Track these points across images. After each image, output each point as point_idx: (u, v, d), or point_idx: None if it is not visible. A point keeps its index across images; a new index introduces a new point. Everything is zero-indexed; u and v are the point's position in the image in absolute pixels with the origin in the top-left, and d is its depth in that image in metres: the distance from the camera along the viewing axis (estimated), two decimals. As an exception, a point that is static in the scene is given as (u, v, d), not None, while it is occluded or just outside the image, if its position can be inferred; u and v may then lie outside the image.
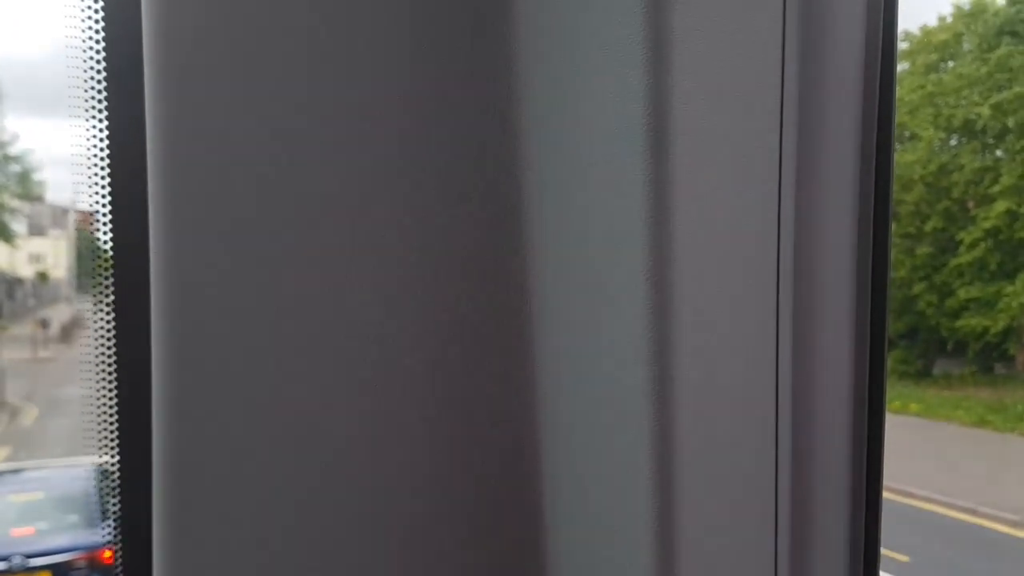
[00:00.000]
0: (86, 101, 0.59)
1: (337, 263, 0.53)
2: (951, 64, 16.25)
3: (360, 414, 0.54)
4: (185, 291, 0.55)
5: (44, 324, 22.74)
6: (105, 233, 0.60)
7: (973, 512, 9.06)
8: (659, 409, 0.50)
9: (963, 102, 15.47)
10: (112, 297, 0.60)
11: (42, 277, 33.41)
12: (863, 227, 0.56)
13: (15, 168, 24.43)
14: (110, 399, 0.61)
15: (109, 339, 0.60)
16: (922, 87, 15.95)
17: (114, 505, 0.62)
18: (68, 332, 24.08)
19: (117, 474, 0.61)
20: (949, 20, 16.37)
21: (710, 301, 0.51)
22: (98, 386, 0.61)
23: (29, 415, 14.32)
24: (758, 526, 0.55)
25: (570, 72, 0.51)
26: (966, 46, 16.03)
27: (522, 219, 0.54)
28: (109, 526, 0.63)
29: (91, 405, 0.61)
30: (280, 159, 0.53)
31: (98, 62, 0.58)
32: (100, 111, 0.59)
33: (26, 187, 25.61)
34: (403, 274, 0.53)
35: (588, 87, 0.51)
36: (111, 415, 0.61)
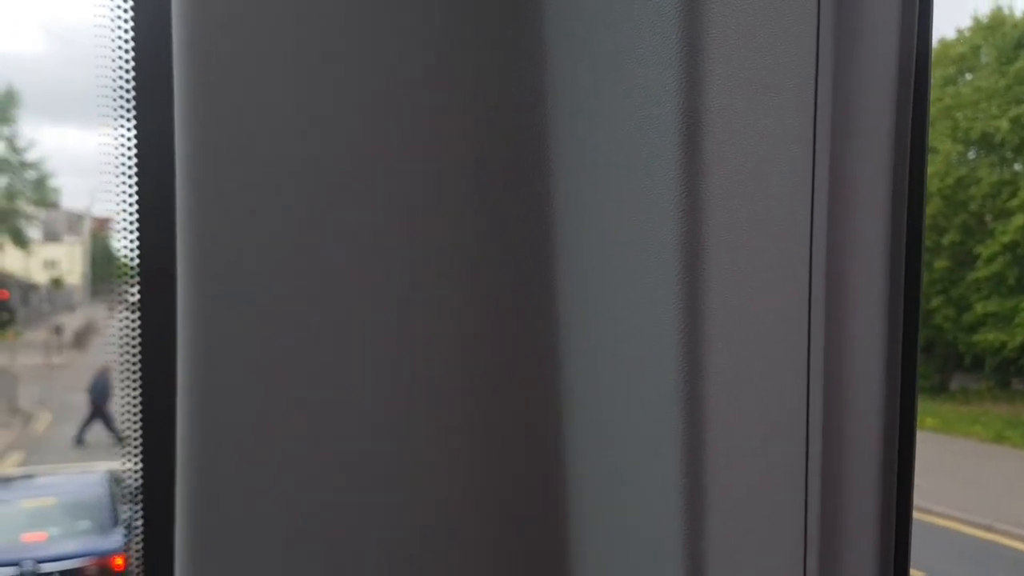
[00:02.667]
0: (114, 107, 0.59)
1: (365, 270, 0.53)
2: (969, 77, 16.20)
3: (388, 424, 0.54)
4: (211, 298, 0.54)
5: (58, 330, 22.92)
6: (131, 239, 0.60)
7: (990, 529, 9.01)
8: (688, 415, 0.49)
9: (981, 115, 15.44)
10: (137, 303, 0.60)
11: (56, 283, 33.71)
12: (896, 229, 0.56)
13: (31, 174, 24.67)
14: (134, 406, 0.60)
15: (134, 346, 0.60)
16: (940, 100, 15.93)
17: (136, 513, 0.61)
18: (81, 338, 24.26)
19: (140, 481, 0.61)
20: (967, 33, 16.33)
21: (741, 305, 0.50)
22: (122, 392, 0.60)
23: (42, 421, 14.41)
24: (787, 532, 0.54)
25: (602, 72, 0.51)
26: (984, 59, 16.00)
27: (552, 220, 0.54)
28: (127, 533, 0.65)
29: (117, 411, 0.61)
30: (308, 165, 0.53)
31: (127, 69, 0.59)
32: (128, 117, 0.59)
33: (41, 193, 25.87)
34: (431, 277, 0.53)
35: (621, 87, 0.50)
36: (135, 422, 0.60)
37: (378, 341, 0.54)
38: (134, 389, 0.61)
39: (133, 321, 0.60)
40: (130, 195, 0.59)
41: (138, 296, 0.60)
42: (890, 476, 0.57)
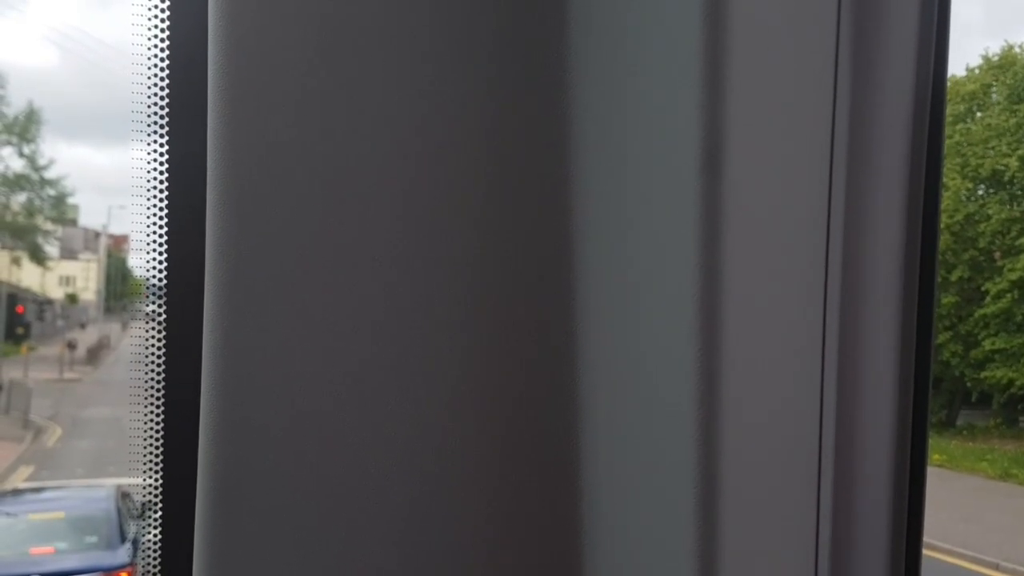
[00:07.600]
0: (147, 127, 0.60)
1: (392, 288, 0.54)
2: (979, 115, 16.21)
3: (408, 437, 0.55)
4: (237, 316, 0.55)
5: (71, 345, 22.99)
6: (159, 256, 0.60)
7: (996, 567, 8.87)
8: (702, 423, 0.51)
9: (991, 153, 15.40)
10: (163, 320, 0.60)
11: (71, 299, 33.83)
12: (910, 257, 0.57)
13: (50, 191, 24.84)
14: (157, 421, 0.61)
15: (158, 361, 0.61)
16: (950, 137, 15.88)
17: (154, 529, 0.61)
18: (94, 354, 24.32)
19: (160, 497, 0.61)
20: (977, 71, 16.35)
21: (757, 322, 0.53)
22: (146, 409, 0.61)
23: (53, 435, 14.46)
24: (799, 542, 0.56)
25: (626, 87, 0.53)
26: (995, 97, 16.00)
27: (572, 232, 0.55)
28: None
29: (138, 427, 0.61)
30: (339, 184, 0.54)
31: (161, 87, 0.59)
32: (162, 134, 0.59)
33: (60, 211, 26.03)
34: (454, 290, 0.55)
35: (643, 103, 0.52)
36: (157, 437, 0.61)
37: (403, 355, 0.54)
38: (157, 404, 0.60)
39: (158, 337, 0.60)
40: (160, 213, 0.60)
41: (164, 312, 0.60)
42: (901, 492, 0.58)
